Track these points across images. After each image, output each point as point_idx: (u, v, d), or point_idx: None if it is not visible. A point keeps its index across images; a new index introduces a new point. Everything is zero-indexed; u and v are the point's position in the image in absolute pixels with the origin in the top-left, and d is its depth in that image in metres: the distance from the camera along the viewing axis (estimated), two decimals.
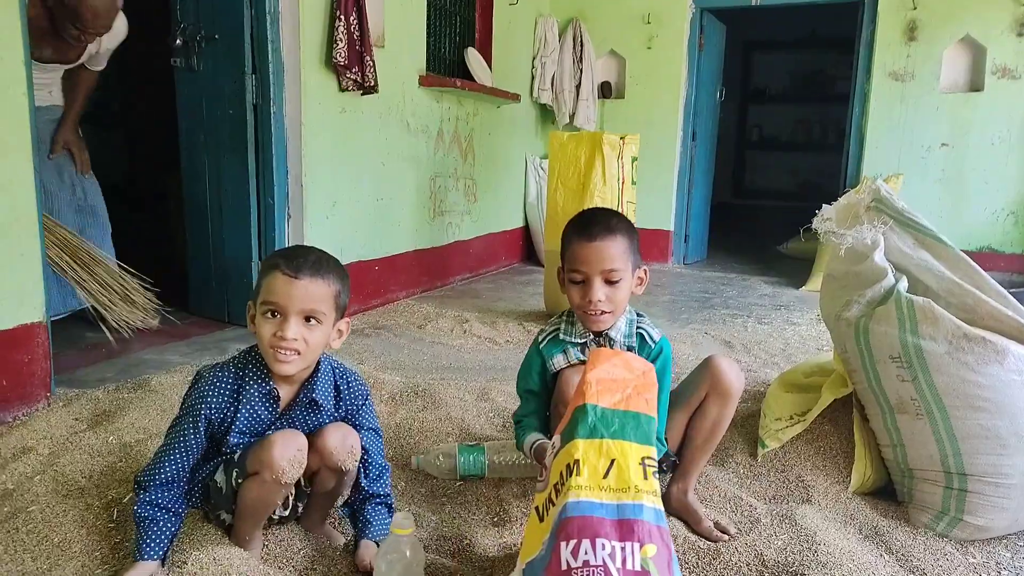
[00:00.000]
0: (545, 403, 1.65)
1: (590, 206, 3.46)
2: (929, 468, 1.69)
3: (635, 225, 4.03)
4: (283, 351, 1.31)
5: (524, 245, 5.63)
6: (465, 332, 3.40)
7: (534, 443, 1.54)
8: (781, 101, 8.79)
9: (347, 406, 1.47)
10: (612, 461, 1.03)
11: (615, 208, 3.49)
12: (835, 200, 4.82)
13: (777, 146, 8.90)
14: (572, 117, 5.48)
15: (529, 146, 5.53)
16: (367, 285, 3.77)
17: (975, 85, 4.67)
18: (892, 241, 1.84)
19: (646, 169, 4.95)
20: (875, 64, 4.86)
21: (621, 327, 1.60)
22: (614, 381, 1.15)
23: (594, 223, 1.54)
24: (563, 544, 0.96)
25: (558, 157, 3.60)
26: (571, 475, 1.03)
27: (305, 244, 1.43)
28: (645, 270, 1.62)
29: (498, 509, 1.70)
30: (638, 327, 1.62)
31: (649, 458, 1.06)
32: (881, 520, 1.69)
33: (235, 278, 3.27)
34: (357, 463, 1.44)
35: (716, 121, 6.02)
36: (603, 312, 1.53)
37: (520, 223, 5.55)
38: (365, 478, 1.48)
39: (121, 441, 1.93)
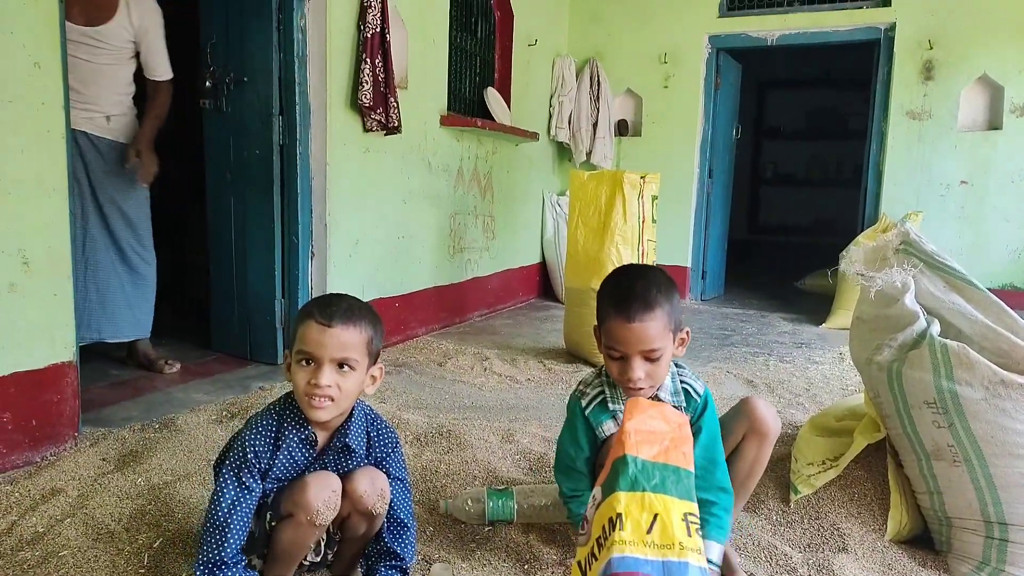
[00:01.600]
0: (592, 468, 1.59)
1: (611, 246, 3.48)
2: (968, 517, 1.66)
3: (655, 262, 3.99)
4: (317, 398, 1.33)
5: (541, 281, 5.64)
6: (485, 370, 3.40)
7: None
8: (795, 138, 8.84)
9: (376, 453, 1.48)
10: (655, 516, 1.01)
11: (636, 247, 3.50)
12: (852, 236, 4.84)
13: (791, 182, 8.93)
14: (589, 155, 5.53)
15: (546, 183, 5.57)
16: (388, 322, 3.75)
17: (994, 123, 4.68)
18: (922, 284, 1.83)
19: (663, 205, 4.95)
20: (892, 103, 4.88)
21: (667, 385, 1.55)
22: (652, 433, 1.14)
23: (633, 299, 1.43)
24: None
25: (579, 196, 3.62)
26: (614, 529, 1.02)
27: (342, 293, 1.44)
28: (687, 331, 1.54)
29: (528, 555, 1.68)
30: (682, 382, 1.57)
31: (691, 514, 1.04)
32: (920, 570, 1.66)
33: (258, 316, 3.29)
34: (387, 506, 1.44)
35: (732, 158, 6.06)
36: (641, 388, 1.47)
37: (537, 259, 5.57)
38: (387, 530, 1.46)
39: (150, 483, 1.93)
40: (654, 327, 1.43)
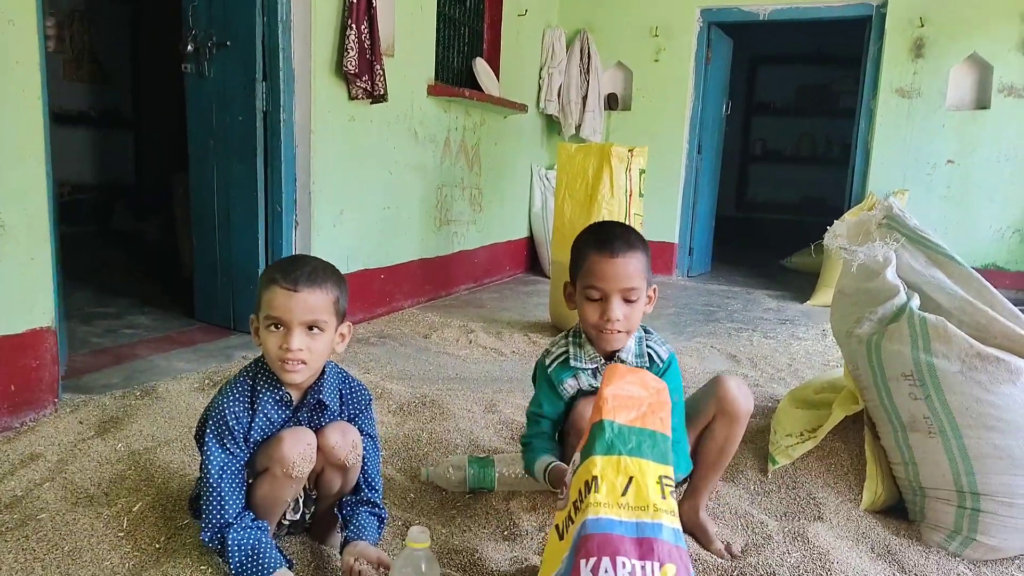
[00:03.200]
0: (554, 425, 1.63)
1: (598, 218, 3.46)
2: (942, 487, 1.69)
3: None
4: (290, 362, 1.34)
5: (528, 255, 5.63)
6: (470, 342, 3.40)
7: (548, 466, 1.50)
8: (785, 115, 8.81)
9: (349, 410, 1.50)
10: (630, 478, 1.02)
11: (623, 220, 3.49)
12: (839, 214, 4.84)
13: (781, 159, 8.92)
14: (578, 128, 5.50)
15: (535, 156, 5.54)
16: (373, 294, 3.77)
17: (982, 103, 4.69)
18: (904, 259, 1.84)
19: (651, 180, 4.94)
20: (882, 81, 4.88)
21: (631, 347, 1.58)
22: (630, 398, 1.14)
23: (614, 238, 1.49)
24: (583, 562, 0.95)
25: (566, 168, 3.60)
26: (590, 492, 1.03)
27: (302, 254, 1.45)
28: (655, 288, 1.59)
29: (508, 523, 1.70)
30: (648, 346, 1.60)
31: (666, 477, 1.05)
32: (893, 539, 1.68)
33: (241, 285, 3.26)
34: (360, 459, 1.46)
35: (722, 134, 6.04)
36: (619, 331, 1.51)
37: (525, 233, 5.55)
38: (363, 483, 1.49)
39: (130, 449, 1.92)
40: (634, 265, 1.48)
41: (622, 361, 1.57)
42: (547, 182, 5.44)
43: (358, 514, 1.47)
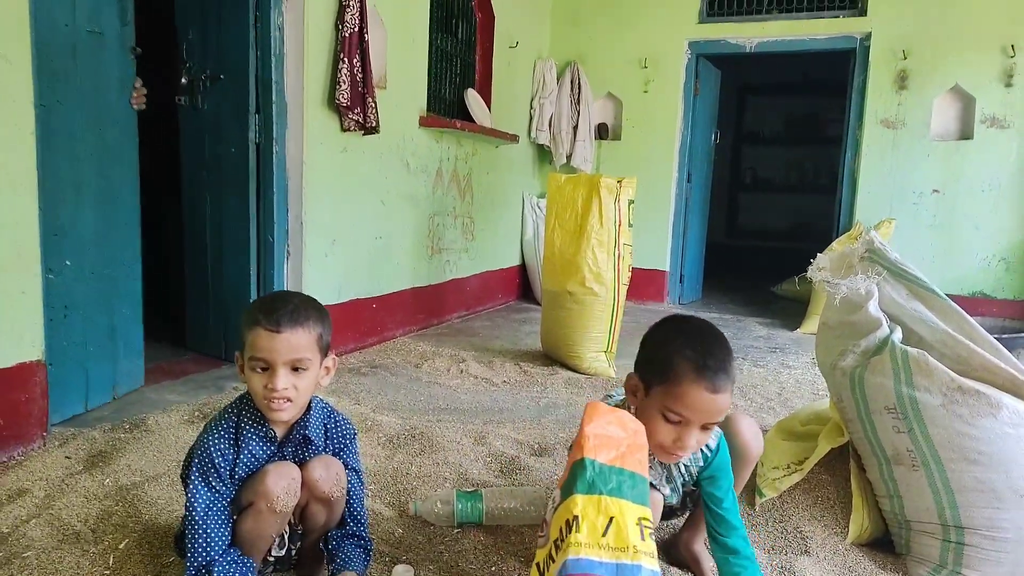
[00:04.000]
0: None
1: (588, 248, 3.50)
2: (926, 520, 1.70)
3: (631, 265, 3.98)
4: (276, 401, 1.35)
5: (521, 283, 5.66)
6: (462, 372, 3.40)
7: None
8: (774, 144, 8.93)
9: (334, 444, 1.50)
10: (611, 519, 1.03)
11: (612, 251, 3.52)
12: (828, 242, 4.88)
13: (770, 188, 9.02)
14: (569, 157, 5.56)
15: (526, 185, 5.59)
16: (364, 323, 3.78)
17: (965, 133, 4.77)
18: (886, 292, 1.87)
19: (642, 209, 5.00)
20: (867, 111, 4.96)
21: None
22: (610, 438, 1.15)
23: (721, 369, 1.28)
24: None
25: (556, 199, 3.64)
26: (570, 531, 1.04)
27: (284, 291, 1.46)
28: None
29: (495, 559, 1.69)
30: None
31: (645, 519, 1.06)
32: (880, 573, 1.69)
33: (233, 315, 3.27)
34: (344, 492, 1.47)
35: (711, 163, 6.11)
36: (683, 456, 1.36)
37: (517, 261, 5.59)
38: (348, 517, 1.50)
39: (118, 484, 1.91)
40: (727, 400, 1.30)
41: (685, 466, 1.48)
42: (538, 211, 5.48)
43: (344, 547, 1.48)
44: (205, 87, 3.18)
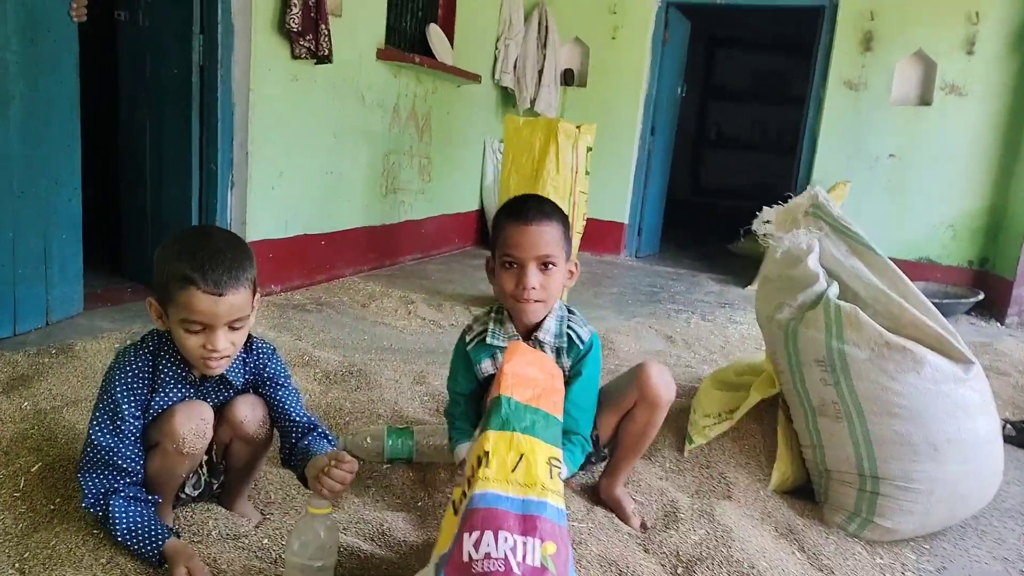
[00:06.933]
0: (468, 401, 1.63)
1: (544, 194, 3.46)
2: (845, 470, 1.74)
3: (588, 216, 3.97)
4: (214, 359, 1.27)
5: (479, 228, 5.60)
6: (410, 313, 3.37)
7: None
8: (741, 100, 8.90)
9: (254, 363, 1.43)
10: (521, 456, 1.02)
11: (567, 197, 3.49)
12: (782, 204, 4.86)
13: (735, 145, 9.02)
14: (533, 102, 5.45)
15: (488, 129, 5.48)
16: (312, 260, 3.70)
17: (924, 99, 4.79)
18: (827, 247, 1.87)
19: (603, 160, 4.96)
20: (831, 71, 4.94)
21: (551, 327, 1.57)
22: (528, 378, 1.15)
23: (529, 207, 1.50)
24: (466, 535, 0.95)
25: (513, 142, 3.57)
26: (479, 466, 1.03)
27: (206, 234, 1.34)
28: (576, 263, 1.60)
29: (423, 495, 1.69)
30: (569, 326, 1.59)
31: (555, 459, 1.06)
32: (797, 519, 1.74)
33: None
34: (270, 433, 1.43)
35: (676, 116, 6.06)
36: (536, 300, 1.51)
37: (475, 206, 5.51)
38: (295, 433, 1.43)
39: (36, 407, 1.85)
40: (549, 232, 1.48)
41: (539, 342, 1.57)
42: (499, 156, 5.39)
43: (308, 440, 1.40)
44: (146, 2, 3.00)
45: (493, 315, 1.61)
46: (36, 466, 1.56)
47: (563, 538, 0.96)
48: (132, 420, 1.29)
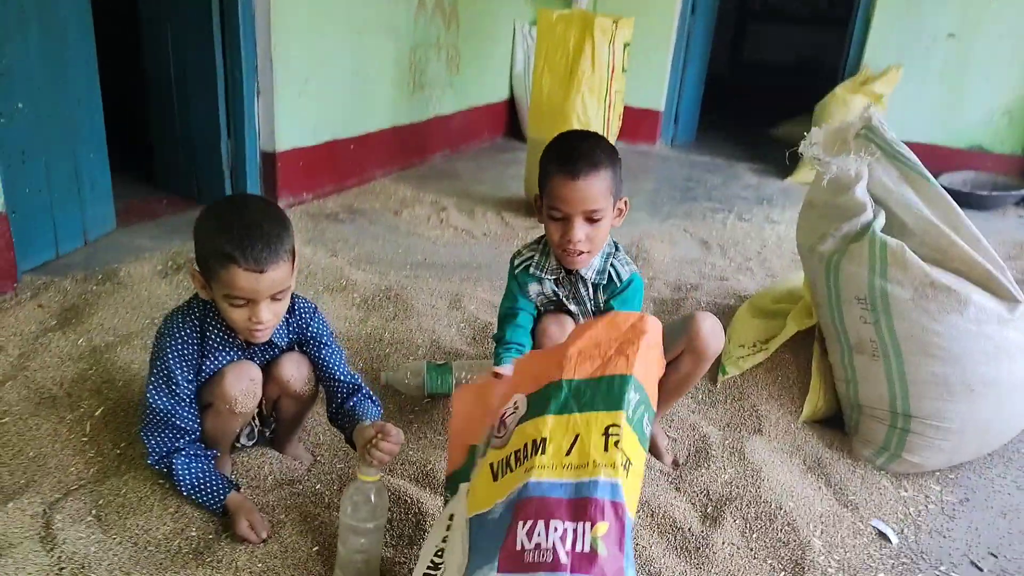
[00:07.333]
0: (528, 318, 1.65)
1: (577, 95, 3.32)
2: (877, 407, 1.76)
3: (624, 105, 3.79)
4: (259, 330, 1.31)
5: (508, 119, 5.43)
6: (442, 222, 3.36)
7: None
8: None
9: (298, 322, 1.46)
10: (576, 437, 1.03)
11: (603, 99, 3.35)
12: (834, 83, 4.64)
13: (781, 17, 8.44)
14: None
15: (518, 12, 5.18)
16: (342, 165, 3.66)
17: None
18: (876, 174, 1.80)
19: (640, 44, 4.68)
20: None
21: (595, 264, 1.59)
22: (596, 346, 1.13)
23: (578, 157, 1.46)
24: (520, 524, 0.98)
25: (546, 38, 3.39)
26: (536, 452, 1.04)
27: (244, 205, 1.32)
28: (626, 201, 1.58)
29: None
30: (611, 264, 1.60)
31: (614, 425, 1.03)
32: (826, 452, 1.78)
33: (203, 158, 3.15)
34: (314, 388, 1.49)
35: None
36: (581, 252, 1.51)
37: (505, 95, 5.32)
38: (341, 393, 1.48)
39: (91, 344, 1.93)
40: (598, 186, 1.45)
41: (580, 277, 1.59)
42: (531, 40, 5.13)
43: (356, 406, 1.46)
44: None
45: (540, 247, 1.64)
46: (99, 410, 1.65)
47: (616, 513, 0.96)
48: (185, 384, 1.35)
